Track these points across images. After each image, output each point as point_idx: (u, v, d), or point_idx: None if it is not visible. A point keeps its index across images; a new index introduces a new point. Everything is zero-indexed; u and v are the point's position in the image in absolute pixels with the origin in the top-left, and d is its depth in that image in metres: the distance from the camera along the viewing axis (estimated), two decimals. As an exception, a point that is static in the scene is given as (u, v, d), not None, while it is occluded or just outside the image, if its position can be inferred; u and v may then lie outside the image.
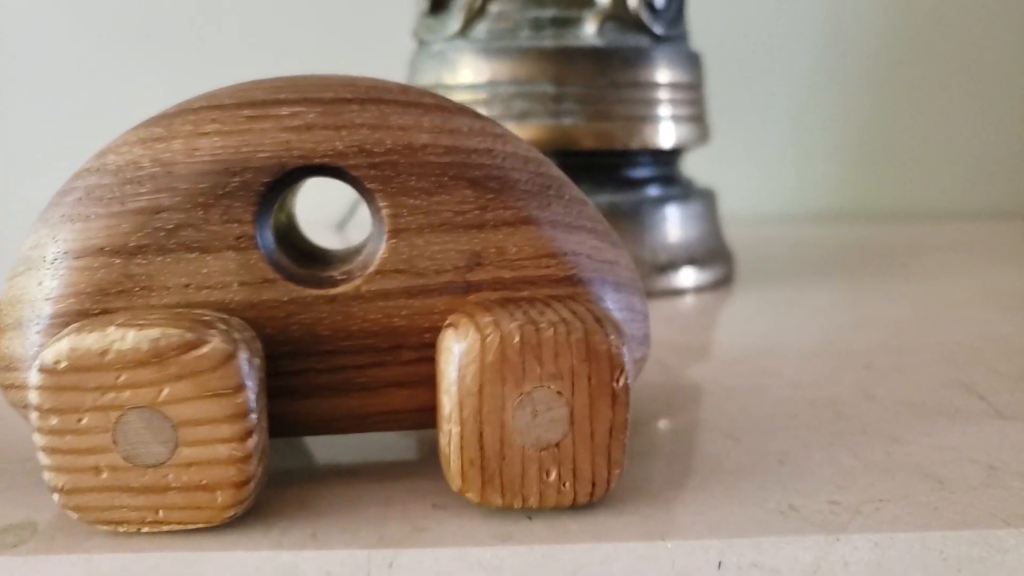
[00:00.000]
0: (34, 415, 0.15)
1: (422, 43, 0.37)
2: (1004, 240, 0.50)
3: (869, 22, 0.59)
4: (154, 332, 0.15)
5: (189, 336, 0.15)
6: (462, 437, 0.16)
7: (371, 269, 0.17)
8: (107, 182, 0.17)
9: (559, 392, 0.16)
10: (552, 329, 0.16)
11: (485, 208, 0.17)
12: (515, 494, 0.16)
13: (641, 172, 0.37)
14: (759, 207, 0.60)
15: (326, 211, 0.51)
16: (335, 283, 0.17)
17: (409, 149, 0.17)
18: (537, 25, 0.35)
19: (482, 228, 0.17)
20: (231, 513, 0.16)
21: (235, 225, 0.17)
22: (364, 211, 0.54)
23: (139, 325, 0.15)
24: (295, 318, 0.17)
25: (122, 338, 0.15)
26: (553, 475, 0.16)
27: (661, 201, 0.36)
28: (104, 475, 0.15)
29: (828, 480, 0.18)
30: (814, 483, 0.18)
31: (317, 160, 0.17)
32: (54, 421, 0.15)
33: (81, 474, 0.15)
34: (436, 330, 0.17)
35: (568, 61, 0.34)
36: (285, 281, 0.17)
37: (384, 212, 0.17)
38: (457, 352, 0.16)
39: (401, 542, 0.16)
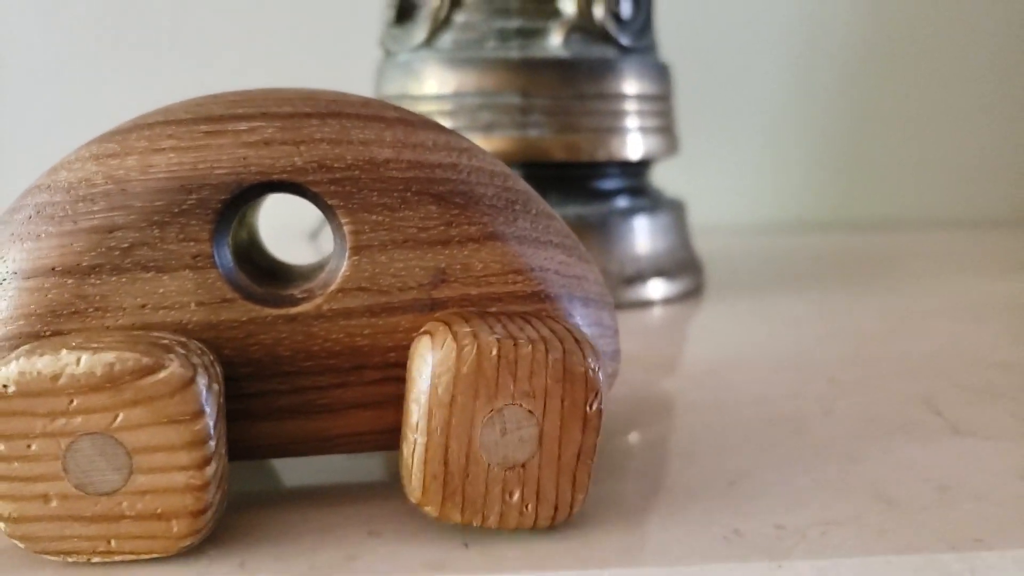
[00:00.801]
0: None
1: (388, 53, 0.37)
2: (979, 249, 0.50)
3: (843, 31, 0.59)
4: (109, 356, 0.14)
5: (146, 360, 0.14)
6: (427, 449, 0.15)
7: (332, 287, 0.17)
8: (59, 200, 0.16)
9: (530, 411, 0.15)
10: (531, 346, 0.15)
11: (450, 224, 0.17)
12: (475, 512, 0.16)
13: (609, 184, 0.37)
14: (734, 218, 0.60)
15: (299, 221, 0.51)
16: (296, 302, 0.17)
17: (371, 164, 0.17)
18: (503, 36, 0.34)
19: (447, 244, 0.17)
20: (187, 543, 0.15)
21: (192, 244, 0.16)
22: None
23: (93, 348, 0.15)
24: (255, 338, 0.17)
25: (75, 362, 0.14)
26: (516, 496, 0.16)
27: (629, 213, 0.36)
28: (54, 503, 0.15)
29: (778, 502, 0.18)
30: (763, 505, 0.17)
31: (276, 176, 0.16)
32: (1, 447, 0.15)
33: (29, 502, 0.15)
34: (400, 349, 0.17)
35: (534, 72, 0.34)
36: (244, 300, 0.17)
37: (346, 228, 0.17)
38: (431, 360, 0.15)
39: (330, 571, 0.15)
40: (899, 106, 0.61)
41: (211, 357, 0.16)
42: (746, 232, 0.58)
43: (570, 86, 0.34)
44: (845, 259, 0.47)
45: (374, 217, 0.17)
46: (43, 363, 0.14)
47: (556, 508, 0.16)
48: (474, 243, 0.17)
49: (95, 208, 0.16)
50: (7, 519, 0.15)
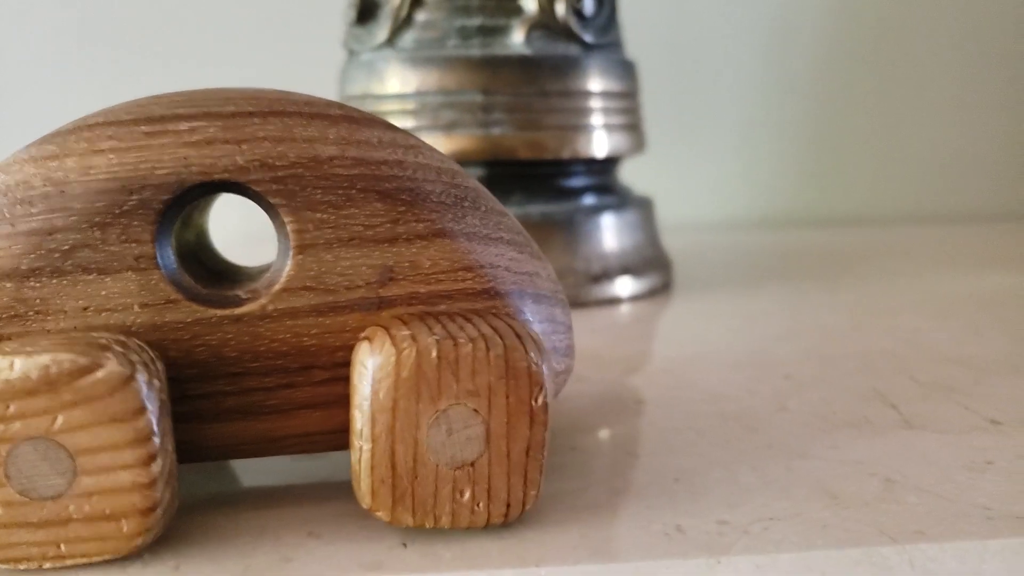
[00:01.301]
0: None
1: (351, 53, 0.37)
2: (949, 245, 0.50)
3: (813, 27, 0.60)
4: (44, 358, 0.14)
5: (82, 361, 0.14)
6: (373, 455, 0.15)
7: (277, 287, 0.17)
8: None
9: (475, 410, 0.15)
10: (471, 344, 0.15)
11: (396, 221, 0.17)
12: (427, 513, 0.16)
13: (575, 181, 0.37)
14: (705, 215, 0.60)
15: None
16: (240, 302, 0.17)
17: (314, 162, 0.16)
18: (464, 34, 0.34)
19: (394, 242, 0.17)
20: (138, 542, 0.15)
21: (134, 245, 0.16)
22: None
23: (27, 352, 0.14)
24: (200, 339, 0.17)
25: (9, 366, 0.14)
26: (467, 495, 0.16)
27: (596, 210, 0.36)
28: None
29: (722, 499, 0.18)
30: (707, 502, 0.17)
31: (217, 176, 0.16)
32: None
33: None
34: (348, 348, 0.17)
35: (496, 70, 0.34)
36: (188, 302, 0.16)
37: (289, 227, 0.16)
38: (371, 366, 0.15)
39: (266, 573, 0.15)
40: (869, 102, 0.61)
41: (151, 354, 0.16)
42: (717, 229, 0.58)
43: (532, 84, 0.34)
44: (814, 256, 0.47)
45: (318, 215, 0.16)
46: None
47: (508, 505, 0.16)
48: (422, 240, 0.17)
49: (33, 210, 0.16)
50: None
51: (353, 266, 0.17)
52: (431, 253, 0.17)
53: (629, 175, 0.44)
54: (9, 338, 0.16)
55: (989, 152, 0.62)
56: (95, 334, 0.16)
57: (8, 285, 0.16)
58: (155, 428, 0.15)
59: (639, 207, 0.38)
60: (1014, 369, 0.26)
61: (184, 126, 0.16)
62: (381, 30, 0.35)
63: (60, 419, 0.14)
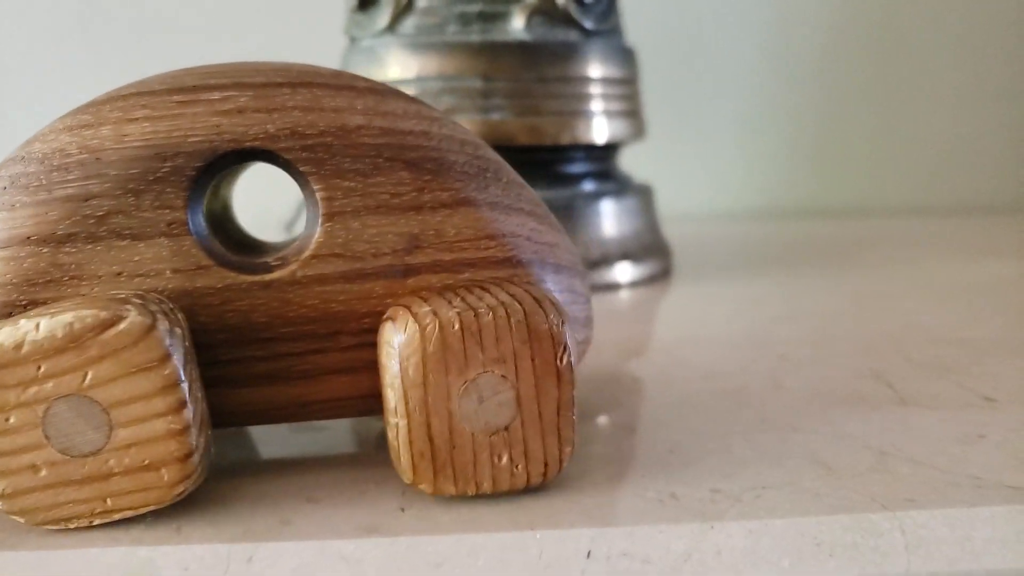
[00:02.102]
0: None
1: (352, 39, 0.37)
2: (949, 235, 0.50)
3: (816, 17, 0.60)
4: (67, 317, 0.15)
5: (103, 315, 0.15)
6: (410, 430, 0.16)
7: (307, 253, 0.17)
8: (32, 170, 0.16)
9: (503, 376, 0.16)
10: (491, 313, 0.16)
11: (422, 190, 0.17)
12: (468, 481, 0.16)
13: (575, 168, 0.37)
14: (707, 204, 0.60)
15: (274, 211, 0.51)
16: (270, 269, 0.17)
17: (343, 131, 0.17)
18: (464, 20, 0.34)
19: (420, 210, 0.17)
20: (180, 489, 0.16)
21: (167, 211, 0.17)
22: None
23: (51, 313, 0.15)
24: (231, 305, 0.17)
25: (35, 328, 0.15)
26: (505, 459, 0.16)
27: (595, 196, 0.36)
28: (43, 472, 0.15)
29: (715, 469, 0.18)
30: (700, 472, 0.18)
31: (248, 143, 0.17)
32: None
33: (19, 475, 0.15)
34: (375, 315, 0.17)
35: (496, 56, 0.34)
36: (219, 267, 0.17)
37: (318, 195, 0.17)
38: (397, 345, 0.16)
39: (264, 536, 0.15)
40: (869, 93, 0.61)
41: (170, 305, 0.16)
42: (717, 219, 0.58)
43: (532, 69, 0.34)
44: (814, 245, 0.47)
45: (346, 183, 0.17)
46: (4, 335, 0.15)
47: (546, 464, 0.16)
48: (446, 209, 0.17)
49: (69, 177, 0.16)
50: (2, 496, 0.15)
51: (380, 233, 0.17)
52: (455, 221, 0.17)
53: (629, 165, 0.44)
54: (45, 303, 0.16)
55: (988, 144, 0.62)
56: (114, 291, 0.16)
57: (44, 250, 0.16)
58: (181, 374, 0.15)
59: (638, 194, 0.38)
60: (1010, 350, 0.26)
61: (216, 95, 0.17)
62: (382, 16, 0.35)
63: (90, 374, 0.15)
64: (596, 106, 0.36)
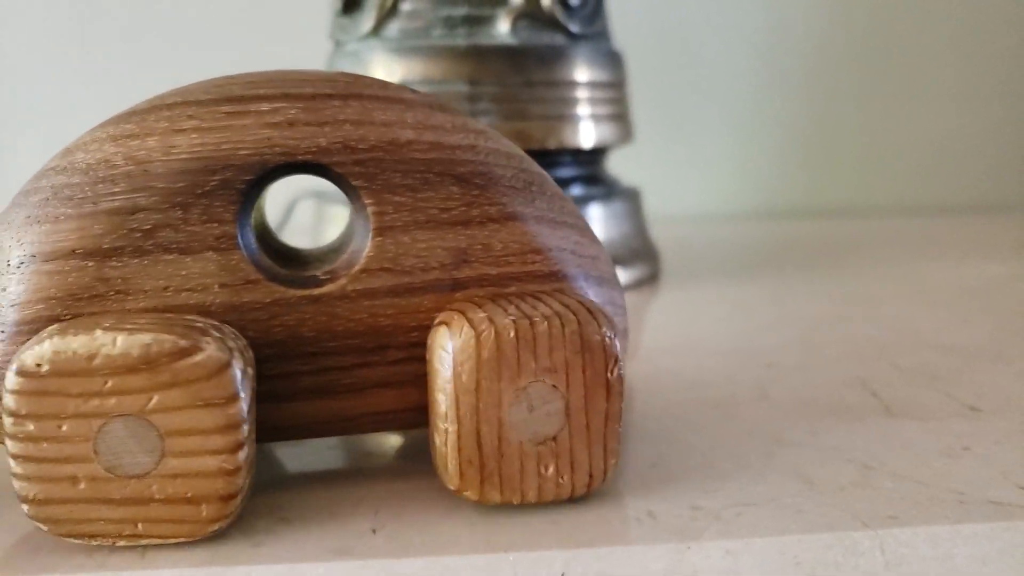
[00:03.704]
0: (8, 420, 0.14)
1: (337, 44, 0.37)
2: (937, 236, 0.50)
3: (806, 18, 0.59)
4: (146, 337, 0.14)
5: (183, 343, 0.15)
6: (459, 436, 0.16)
7: (357, 268, 0.17)
8: (77, 181, 0.16)
9: (554, 386, 0.16)
10: (546, 323, 0.16)
11: (471, 204, 0.17)
12: (514, 490, 0.16)
13: (562, 172, 0.37)
14: (697, 206, 0.60)
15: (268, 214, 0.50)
16: (319, 283, 0.17)
17: (393, 145, 0.17)
18: (450, 23, 0.34)
19: (468, 225, 0.17)
20: (215, 527, 0.15)
21: (215, 225, 0.16)
22: (300, 214, 0.53)
23: (128, 329, 0.15)
24: (278, 319, 0.17)
25: (112, 342, 0.14)
26: (551, 469, 0.16)
27: (583, 201, 0.36)
28: (82, 485, 0.15)
29: (697, 484, 0.17)
30: (681, 488, 0.17)
31: (300, 157, 0.17)
32: (30, 427, 0.14)
33: (56, 484, 0.15)
34: (423, 329, 0.17)
35: (481, 60, 0.34)
36: (268, 282, 0.17)
37: (370, 210, 0.17)
38: (452, 349, 0.16)
39: (233, 560, 0.15)
40: (858, 94, 0.61)
41: (244, 342, 0.16)
42: (706, 221, 0.58)
43: (518, 73, 0.34)
44: (805, 247, 0.47)
45: (397, 198, 0.17)
46: (78, 343, 0.14)
47: (591, 475, 0.16)
48: (494, 223, 0.17)
49: (116, 189, 0.16)
50: (32, 501, 0.15)
51: (429, 248, 0.17)
52: (503, 236, 0.17)
53: (618, 167, 0.44)
54: (87, 317, 0.16)
55: (978, 144, 0.62)
56: (191, 317, 0.16)
57: (90, 264, 0.16)
58: (245, 416, 0.15)
59: (626, 198, 0.38)
60: (996, 356, 0.26)
61: (266, 107, 0.16)
62: (367, 20, 0.35)
63: (155, 398, 0.15)
64: (583, 110, 0.35)
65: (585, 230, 0.19)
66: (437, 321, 0.17)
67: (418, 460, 0.19)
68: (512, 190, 0.18)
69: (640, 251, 0.38)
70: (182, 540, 0.15)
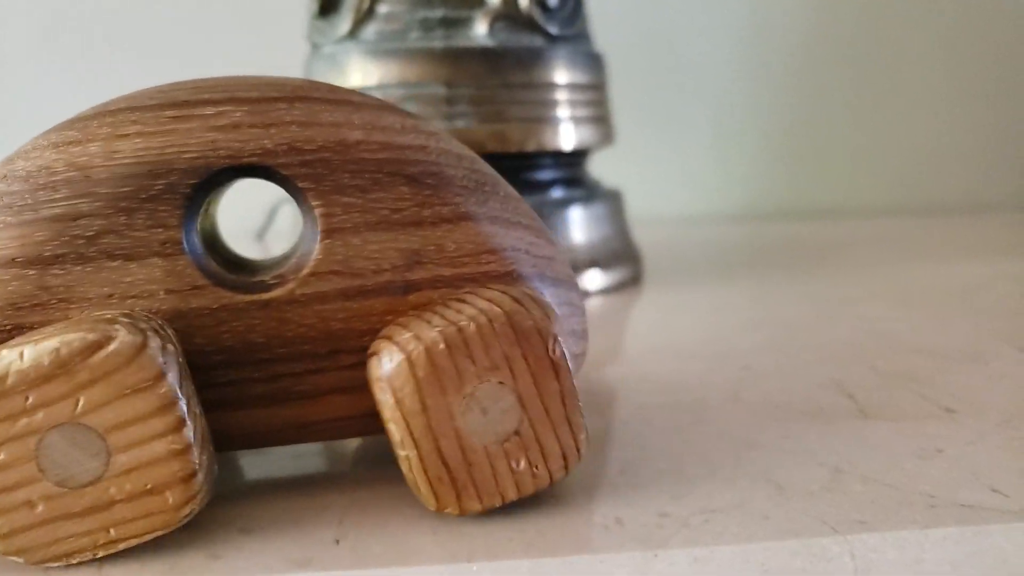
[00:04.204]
0: None
1: (314, 46, 0.36)
2: (921, 237, 0.50)
3: (790, 17, 0.59)
4: (52, 343, 0.14)
5: (91, 337, 0.14)
6: (421, 459, 0.16)
7: (305, 271, 0.17)
8: (16, 189, 0.16)
9: (500, 382, 0.16)
10: (473, 323, 0.15)
11: (423, 205, 0.17)
12: (492, 494, 0.16)
13: (542, 174, 0.36)
14: (679, 208, 0.60)
15: (244, 221, 0.50)
16: (268, 287, 0.17)
17: (342, 146, 0.17)
18: (426, 26, 0.34)
19: (421, 226, 0.17)
20: (186, 511, 0.15)
21: (161, 230, 0.16)
22: (283, 219, 0.52)
23: (35, 340, 0.14)
24: (227, 325, 0.17)
25: (19, 357, 0.14)
26: (523, 463, 0.16)
27: (563, 203, 0.36)
28: (39, 508, 0.14)
29: (665, 490, 0.17)
30: (649, 494, 0.17)
31: (245, 159, 0.16)
32: None
33: (14, 513, 0.14)
34: (375, 332, 0.17)
35: (458, 62, 0.33)
36: (215, 287, 0.16)
37: (317, 211, 0.17)
38: (386, 377, 0.15)
39: (192, 571, 0.15)
40: (844, 95, 0.61)
41: (159, 321, 0.16)
42: (689, 222, 0.58)
43: (496, 75, 0.34)
44: (788, 249, 0.47)
45: (346, 199, 0.17)
46: None
47: (564, 456, 0.16)
48: (447, 224, 0.17)
49: (57, 196, 0.16)
50: None
51: (380, 250, 0.17)
52: (456, 236, 0.17)
53: (601, 168, 0.44)
54: (32, 327, 0.16)
55: (963, 145, 0.62)
56: (99, 312, 0.16)
57: (31, 272, 0.16)
58: (178, 392, 0.15)
59: (608, 200, 0.38)
60: (973, 357, 0.26)
61: (211, 110, 0.16)
62: (343, 23, 0.35)
63: (82, 400, 0.14)
64: (563, 112, 0.35)
65: (540, 231, 0.19)
66: (369, 352, 0.16)
67: (384, 468, 0.19)
68: (464, 190, 0.17)
69: (622, 253, 0.38)
70: (158, 533, 0.15)
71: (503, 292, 0.16)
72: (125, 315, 0.15)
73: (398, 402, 0.15)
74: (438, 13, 0.34)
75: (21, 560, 0.15)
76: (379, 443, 0.20)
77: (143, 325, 0.15)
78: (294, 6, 0.46)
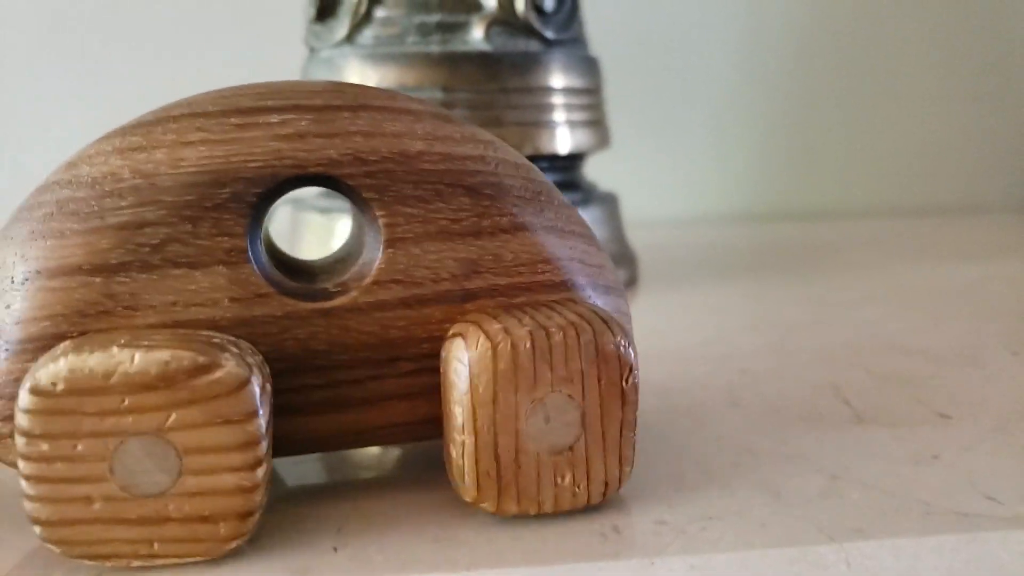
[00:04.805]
0: (21, 440, 0.14)
1: (312, 50, 0.36)
2: (917, 238, 0.51)
3: (786, 20, 0.59)
4: (163, 354, 0.14)
5: (202, 360, 0.14)
6: (477, 448, 0.16)
7: (368, 280, 0.17)
8: (82, 195, 0.16)
9: (570, 396, 0.16)
10: (562, 333, 0.16)
11: (481, 215, 0.17)
12: (531, 501, 0.16)
13: (538, 178, 0.36)
14: (675, 210, 0.60)
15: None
16: (330, 296, 0.17)
17: (404, 157, 0.17)
18: (423, 30, 0.34)
19: (479, 235, 0.17)
20: (232, 545, 0.15)
21: (226, 239, 0.16)
22: (276, 221, 0.52)
23: (146, 346, 0.14)
24: (289, 333, 0.17)
25: (129, 359, 0.14)
26: (568, 478, 0.16)
27: (558, 207, 0.35)
28: (96, 505, 0.14)
29: (663, 497, 0.17)
30: (647, 501, 0.17)
31: (312, 169, 0.16)
32: (44, 447, 0.14)
33: (70, 504, 0.14)
34: (433, 340, 0.17)
35: (456, 67, 0.34)
36: (279, 295, 0.17)
37: (381, 221, 0.17)
38: (468, 361, 0.16)
39: (188, 583, 0.15)
40: (839, 97, 0.61)
41: (261, 358, 0.16)
42: (685, 225, 0.58)
43: (493, 80, 0.34)
44: (784, 251, 0.47)
45: (408, 209, 0.17)
46: (95, 360, 0.14)
47: (606, 484, 0.17)
48: (505, 234, 0.17)
49: (123, 203, 0.16)
50: (44, 523, 0.14)
51: (439, 259, 0.17)
52: (513, 246, 0.17)
53: (600, 172, 0.44)
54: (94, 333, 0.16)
55: (958, 146, 0.62)
56: (207, 333, 0.16)
57: (97, 280, 0.16)
58: (264, 433, 0.15)
59: (604, 203, 0.38)
60: (969, 361, 0.26)
61: (275, 118, 0.16)
62: (341, 27, 0.35)
63: (173, 416, 0.14)
64: (559, 116, 0.35)
65: (591, 239, 0.19)
66: (451, 333, 0.17)
67: (386, 475, 0.19)
68: (522, 200, 0.18)
69: (618, 256, 0.38)
70: (198, 559, 0.15)
71: (594, 311, 0.17)
72: (233, 343, 0.15)
73: (472, 387, 0.15)
74: (435, 17, 0.34)
75: (58, 551, 0.15)
76: (379, 452, 0.20)
77: (250, 360, 0.15)
78: (292, 10, 0.46)
